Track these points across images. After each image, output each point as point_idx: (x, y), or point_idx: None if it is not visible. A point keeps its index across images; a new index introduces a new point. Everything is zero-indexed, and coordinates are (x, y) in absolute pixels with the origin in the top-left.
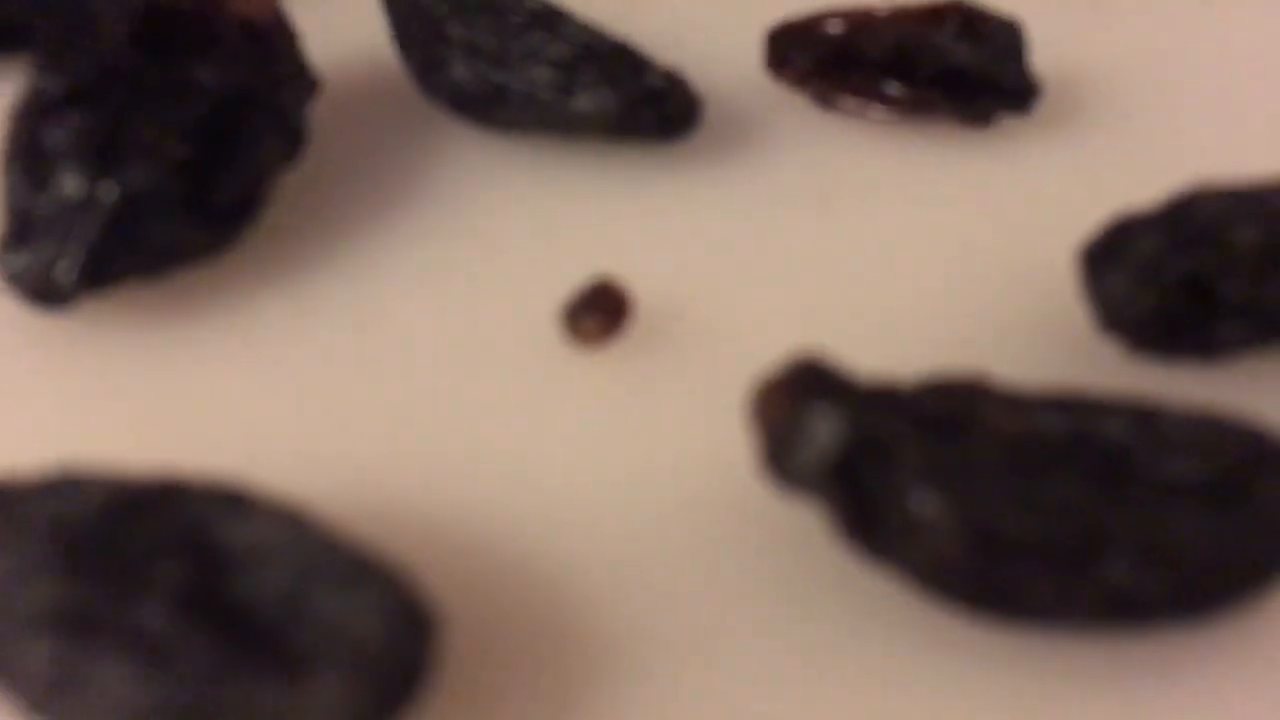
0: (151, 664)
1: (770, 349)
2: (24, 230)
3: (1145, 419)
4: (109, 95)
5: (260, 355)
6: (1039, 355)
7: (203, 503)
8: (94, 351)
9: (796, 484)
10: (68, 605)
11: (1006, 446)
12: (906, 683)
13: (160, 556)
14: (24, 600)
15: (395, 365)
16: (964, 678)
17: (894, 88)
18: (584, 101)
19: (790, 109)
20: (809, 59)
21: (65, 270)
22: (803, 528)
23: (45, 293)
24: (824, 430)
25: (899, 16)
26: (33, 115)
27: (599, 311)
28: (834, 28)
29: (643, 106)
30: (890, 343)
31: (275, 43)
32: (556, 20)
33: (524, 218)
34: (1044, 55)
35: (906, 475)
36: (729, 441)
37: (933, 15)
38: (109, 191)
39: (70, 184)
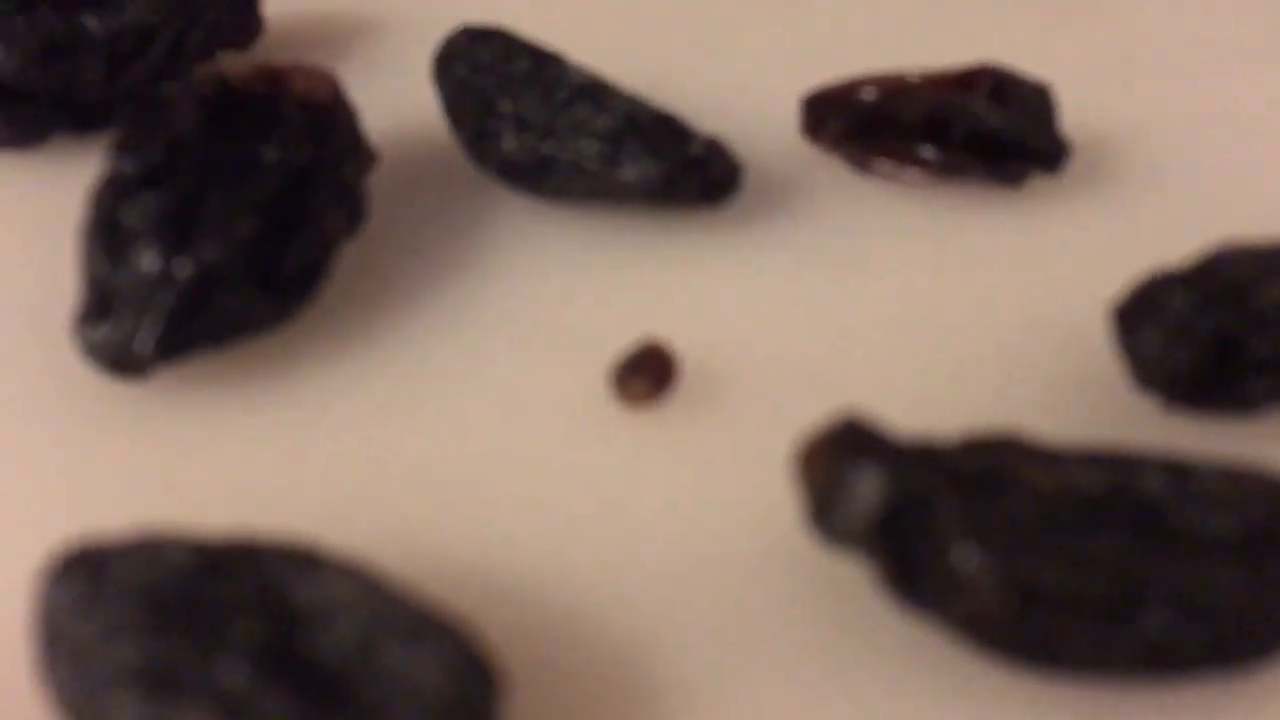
0: (232, 718)
1: (811, 407)
2: (103, 304)
3: (1180, 473)
4: (182, 175)
5: (324, 420)
6: (1073, 411)
7: (277, 563)
8: (169, 420)
9: (841, 540)
10: (152, 663)
11: (1045, 502)
12: None
13: (238, 615)
14: (112, 658)
15: (452, 428)
16: None
17: (927, 151)
18: (629, 171)
19: (827, 173)
20: (844, 124)
21: (143, 342)
22: (847, 581)
23: (124, 363)
24: (868, 488)
25: (931, 82)
26: (111, 194)
27: (647, 373)
28: (868, 94)
29: (685, 175)
30: (927, 400)
31: (335, 119)
32: (600, 93)
33: (573, 283)
34: (1073, 118)
35: (948, 531)
36: (774, 498)
37: (964, 80)
38: (183, 267)
39: (147, 260)
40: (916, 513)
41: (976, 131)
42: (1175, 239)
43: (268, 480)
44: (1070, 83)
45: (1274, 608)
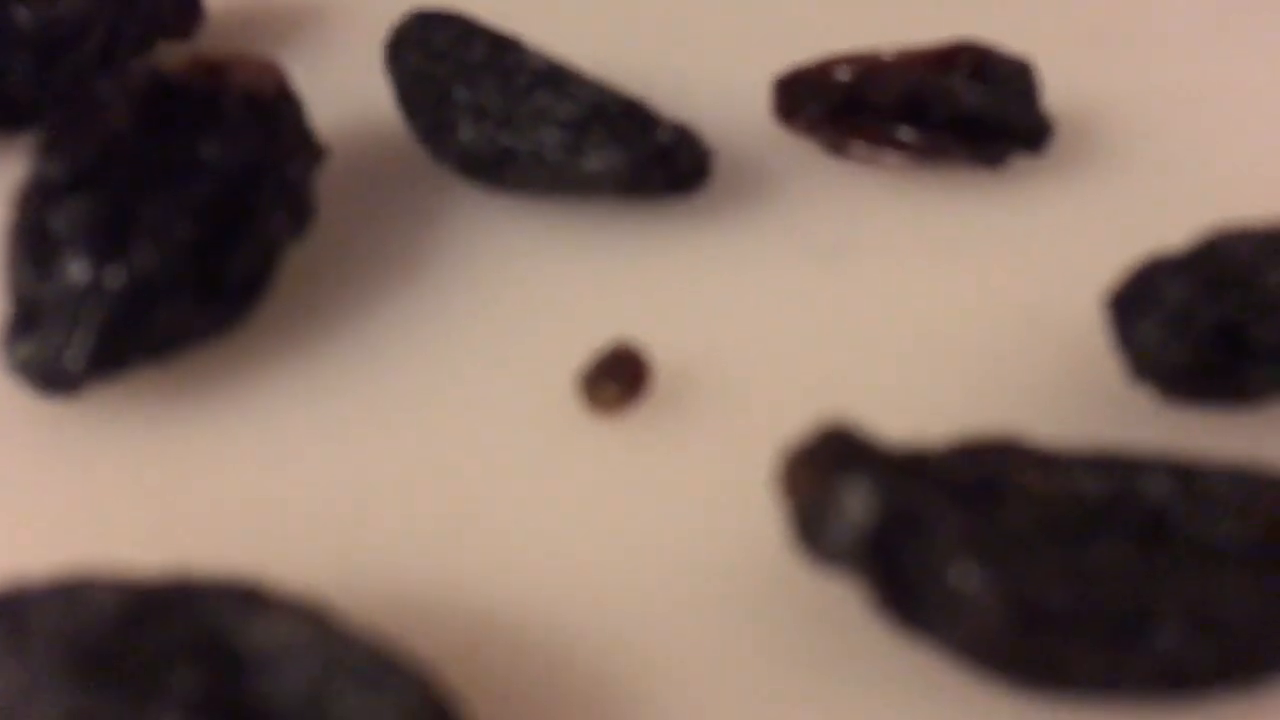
0: None
1: (792, 411)
2: (30, 318)
3: (1185, 477)
4: (113, 177)
5: (272, 438)
6: (1067, 407)
7: (217, 603)
8: (101, 440)
9: (830, 559)
10: None
11: (1044, 512)
12: None
13: (175, 663)
14: (34, 717)
15: (410, 443)
16: None
17: (906, 133)
18: (593, 161)
19: (802, 158)
20: (819, 107)
21: (74, 358)
22: (835, 601)
23: (53, 380)
24: (857, 503)
25: (908, 61)
26: (36, 200)
27: (618, 378)
28: (843, 74)
29: (653, 164)
30: (914, 401)
31: (280, 113)
32: (563, 79)
33: (536, 281)
34: (1056, 95)
35: (944, 548)
36: (755, 511)
37: (942, 58)
38: (117, 276)
39: (77, 269)
40: (910, 528)
41: (956, 112)
42: (1170, 221)
43: (207, 509)
44: (1052, 58)
45: None
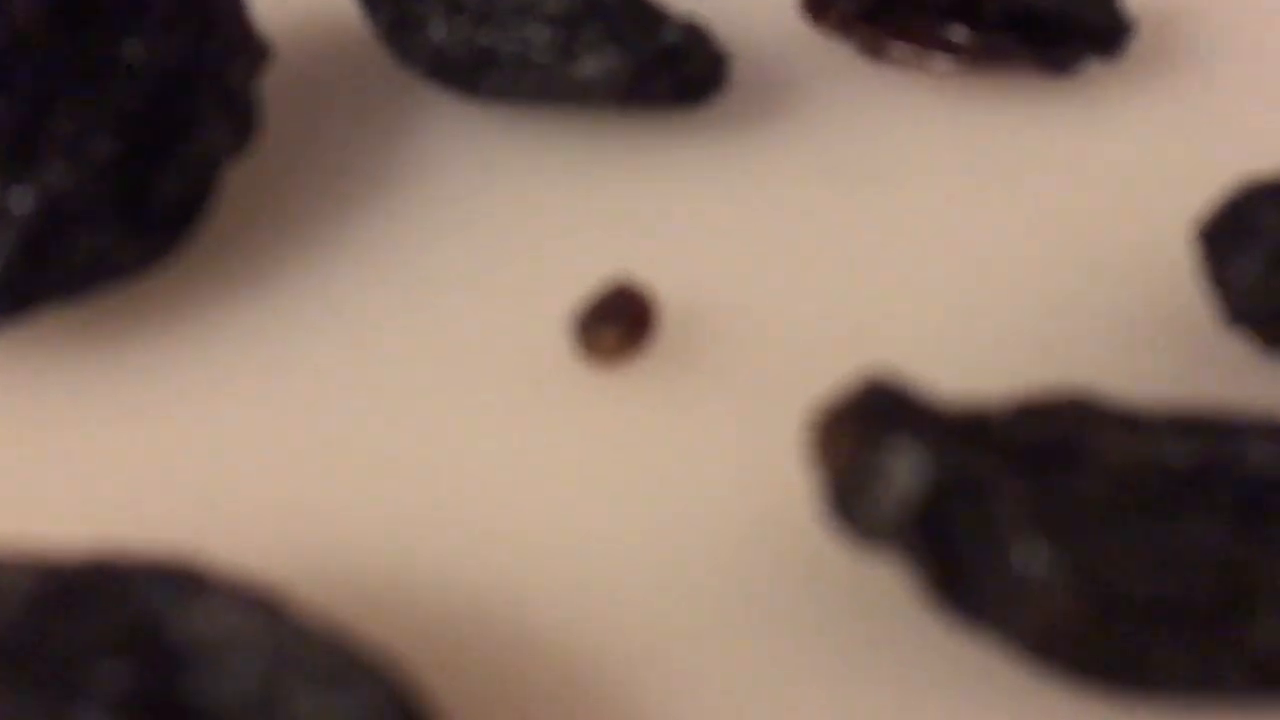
0: None
1: (825, 363)
2: None
3: None
4: (20, 82)
5: (212, 393)
6: (1149, 359)
7: (149, 587)
8: (10, 398)
9: (870, 535)
10: None
11: (1123, 482)
12: None
13: (100, 656)
14: None
15: (374, 399)
16: None
17: (957, 33)
18: (588, 65)
19: (834, 64)
20: (853, 2)
21: None
22: (875, 586)
23: None
24: (905, 470)
25: None
26: None
27: (618, 321)
28: None
29: (658, 68)
30: (967, 350)
31: (215, 7)
32: None
33: (520, 208)
34: None
35: (1007, 523)
36: (780, 481)
37: None
38: (25, 199)
39: None
40: (967, 500)
41: (1017, 7)
42: (1269, 140)
43: (137, 479)
44: None
45: None
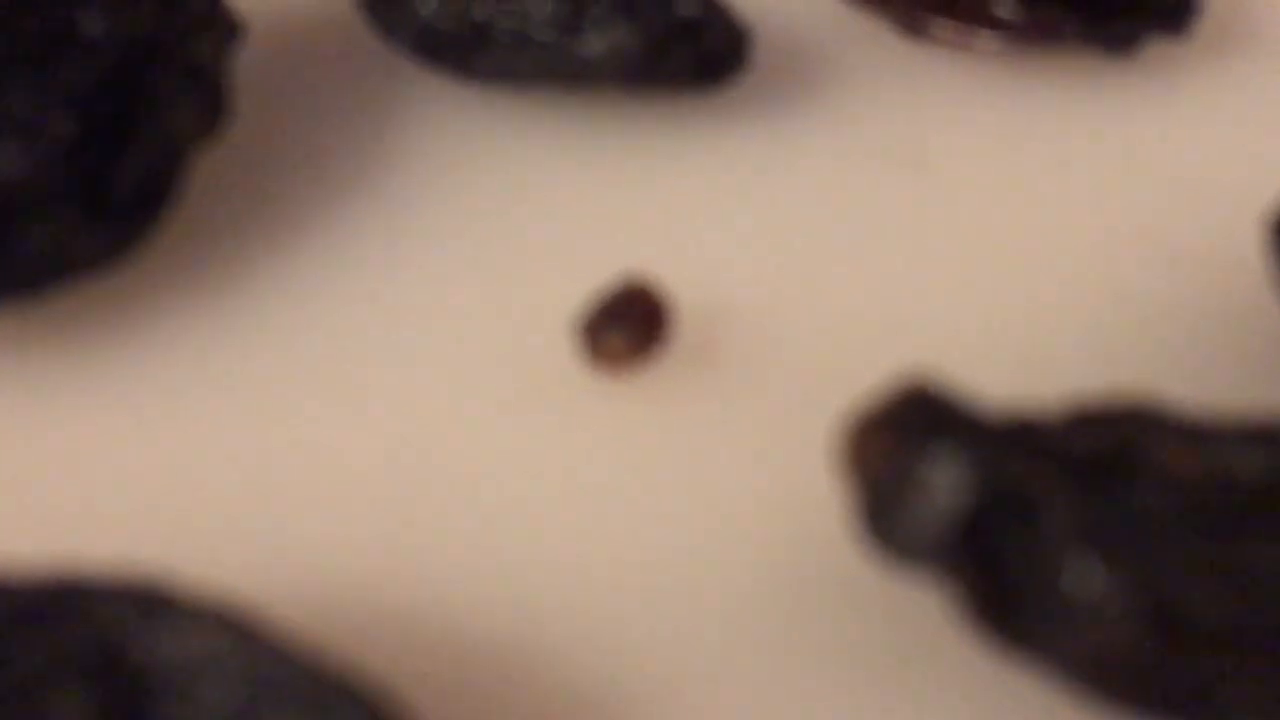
0: None
1: (858, 368)
2: None
3: None
4: None
5: (179, 397)
6: (1217, 362)
7: (113, 608)
8: None
9: (907, 553)
10: None
11: (1187, 497)
12: None
13: (59, 681)
14: None
15: (358, 406)
16: None
17: (1005, 8)
18: (595, 41)
19: (868, 41)
20: None
21: None
22: (913, 610)
23: None
24: (946, 482)
25: None
26: None
27: (628, 324)
28: None
29: (672, 45)
30: (1016, 352)
31: None
32: None
33: (519, 200)
34: None
35: (1059, 539)
36: (809, 497)
37: None
38: None
39: None
40: (1014, 515)
41: None
42: None
43: (98, 490)
44: None
45: None
